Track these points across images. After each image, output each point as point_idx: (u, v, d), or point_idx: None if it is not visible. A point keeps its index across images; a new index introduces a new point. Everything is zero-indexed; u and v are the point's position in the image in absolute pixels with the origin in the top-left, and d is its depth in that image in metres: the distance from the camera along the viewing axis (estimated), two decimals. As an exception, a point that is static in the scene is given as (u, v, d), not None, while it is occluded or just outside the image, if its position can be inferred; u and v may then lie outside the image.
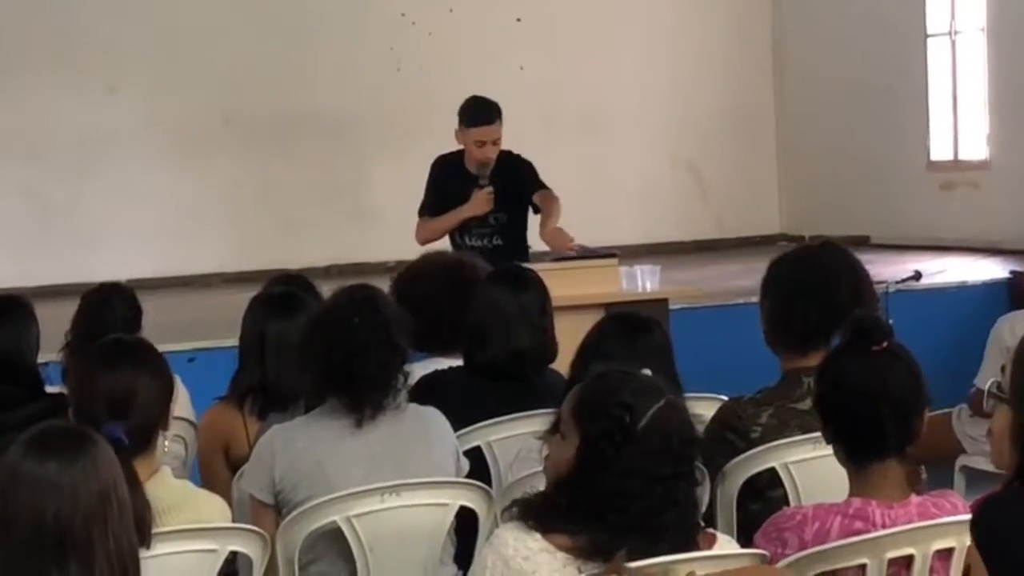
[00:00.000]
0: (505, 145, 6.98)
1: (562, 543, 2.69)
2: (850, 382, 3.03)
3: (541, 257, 6.88)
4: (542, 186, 6.93)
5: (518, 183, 6.89)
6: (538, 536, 2.70)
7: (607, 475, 2.69)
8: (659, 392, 2.78)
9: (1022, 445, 2.59)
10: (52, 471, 2.53)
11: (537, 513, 2.73)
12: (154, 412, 3.28)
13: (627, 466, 2.69)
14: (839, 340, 3.22)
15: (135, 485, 2.76)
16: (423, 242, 6.93)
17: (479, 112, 6.85)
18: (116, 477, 2.60)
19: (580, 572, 2.66)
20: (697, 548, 2.76)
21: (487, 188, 6.83)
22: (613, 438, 2.70)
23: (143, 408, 3.25)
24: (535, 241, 7.03)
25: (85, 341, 4.40)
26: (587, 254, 6.62)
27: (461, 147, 6.94)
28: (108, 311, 4.90)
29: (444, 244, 6.99)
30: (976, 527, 2.60)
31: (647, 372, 2.87)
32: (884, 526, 2.97)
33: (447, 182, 6.95)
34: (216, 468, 4.31)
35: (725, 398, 3.95)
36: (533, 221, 7.04)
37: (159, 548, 2.93)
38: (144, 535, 2.76)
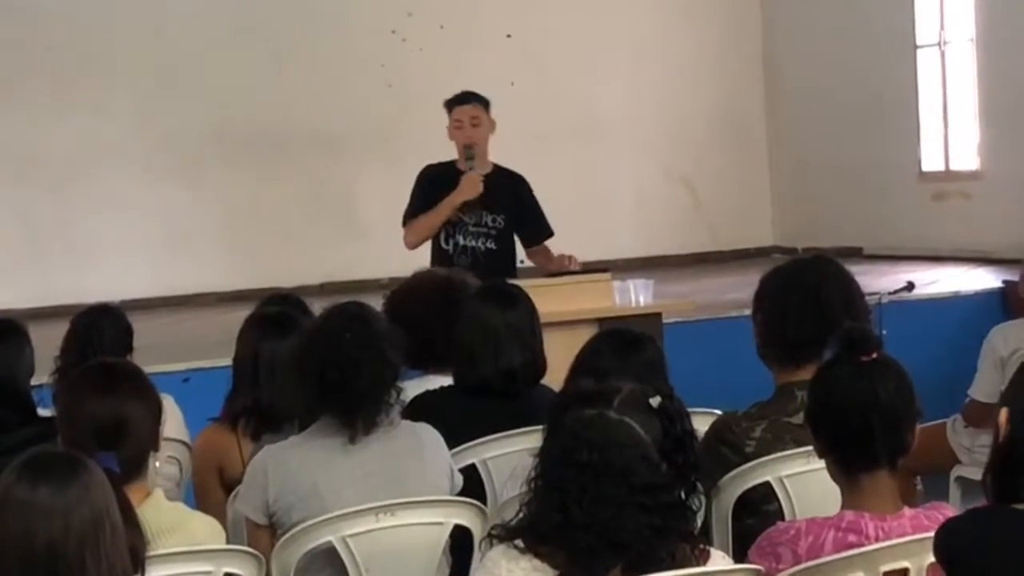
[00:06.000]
0: (499, 161, 7.00)
1: (552, 563, 2.67)
2: (840, 392, 3.03)
3: (533, 272, 6.88)
4: (543, 224, 6.93)
5: (517, 195, 6.89)
6: (530, 556, 2.68)
7: (569, 501, 2.67)
8: (622, 430, 2.74)
9: (1004, 463, 2.59)
10: (44, 496, 2.53)
11: (524, 535, 2.71)
12: (144, 438, 3.25)
13: (578, 496, 2.67)
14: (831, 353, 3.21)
15: (130, 517, 2.75)
16: (415, 243, 6.86)
17: (456, 96, 6.96)
18: (109, 501, 2.60)
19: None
20: (692, 564, 2.75)
21: (476, 171, 6.75)
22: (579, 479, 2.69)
23: (133, 436, 3.22)
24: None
25: (75, 364, 4.38)
26: (579, 269, 6.62)
27: (452, 158, 6.90)
28: (97, 333, 4.88)
29: (428, 249, 6.90)
30: (937, 550, 2.61)
31: (656, 399, 2.85)
32: (877, 539, 2.97)
33: (437, 187, 6.80)
34: (210, 489, 4.30)
35: (719, 412, 3.94)
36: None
37: (154, 571, 2.91)
38: (138, 566, 2.74)
